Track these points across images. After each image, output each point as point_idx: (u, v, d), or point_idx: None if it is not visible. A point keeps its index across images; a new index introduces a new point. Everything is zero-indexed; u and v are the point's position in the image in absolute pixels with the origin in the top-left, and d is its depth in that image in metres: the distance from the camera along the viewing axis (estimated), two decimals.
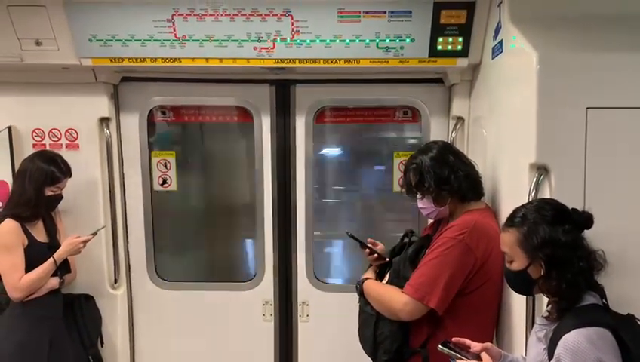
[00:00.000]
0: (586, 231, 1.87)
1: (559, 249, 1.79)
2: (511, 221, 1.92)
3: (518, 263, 1.88)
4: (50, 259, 2.98)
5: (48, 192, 3.00)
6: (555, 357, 1.71)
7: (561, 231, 1.81)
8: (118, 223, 3.53)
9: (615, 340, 1.70)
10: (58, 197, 3.09)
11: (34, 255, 2.97)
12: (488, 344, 1.98)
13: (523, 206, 1.95)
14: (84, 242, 3.07)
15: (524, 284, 1.93)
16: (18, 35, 3.01)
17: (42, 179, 2.97)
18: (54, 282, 3.06)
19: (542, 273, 1.83)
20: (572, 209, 1.88)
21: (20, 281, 2.91)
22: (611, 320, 1.77)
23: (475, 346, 1.94)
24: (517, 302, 2.31)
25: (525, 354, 2.07)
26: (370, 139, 3.78)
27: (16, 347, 2.95)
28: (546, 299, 2.06)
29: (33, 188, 2.96)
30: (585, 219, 1.85)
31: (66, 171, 3.06)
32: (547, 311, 1.93)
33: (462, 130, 3.28)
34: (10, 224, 2.94)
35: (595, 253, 1.85)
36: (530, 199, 2.11)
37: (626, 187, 2.10)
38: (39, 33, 3.01)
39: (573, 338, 1.68)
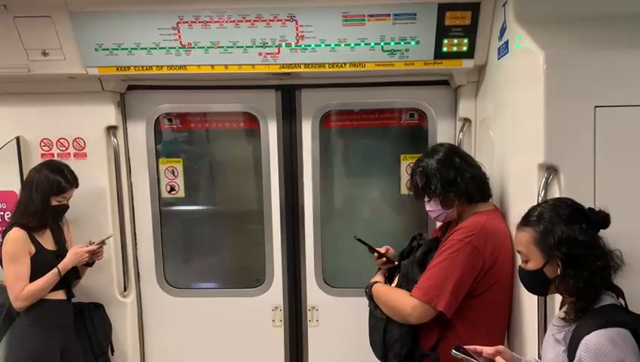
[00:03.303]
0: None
1: (576, 248, 1.78)
2: (526, 220, 1.90)
3: (534, 263, 1.87)
4: (55, 269, 2.98)
5: (54, 202, 3.01)
6: (576, 358, 1.69)
7: (578, 229, 1.79)
8: (126, 231, 3.54)
9: (635, 340, 1.68)
10: (64, 207, 3.10)
11: (41, 262, 2.98)
12: (501, 347, 1.96)
13: (538, 205, 1.94)
14: (90, 252, 3.07)
15: (539, 284, 1.91)
16: (25, 46, 3.03)
17: (48, 189, 2.98)
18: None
19: (558, 272, 1.81)
20: (588, 208, 1.87)
21: (23, 291, 2.93)
22: (631, 320, 1.75)
23: (488, 350, 1.92)
24: (528, 304, 2.29)
25: (539, 356, 2.05)
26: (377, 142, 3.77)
27: (29, 356, 2.96)
28: (557, 300, 2.05)
29: (40, 197, 2.97)
30: (602, 219, 1.84)
31: (73, 181, 3.07)
32: (564, 311, 1.90)
33: (469, 132, 3.27)
34: (16, 233, 2.95)
35: (611, 252, 1.83)
36: (540, 199, 2.09)
37: (637, 186, 2.08)
38: (45, 43, 3.03)
39: (595, 340, 1.66)
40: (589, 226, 1.81)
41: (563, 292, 1.86)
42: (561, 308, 1.98)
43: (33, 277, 2.96)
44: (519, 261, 1.99)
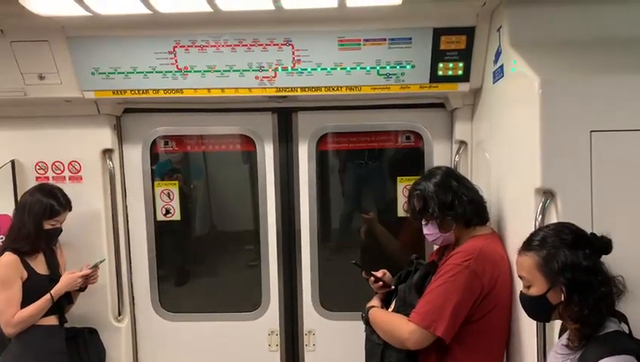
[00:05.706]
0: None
1: (581, 273, 1.75)
2: (529, 244, 1.87)
3: (537, 288, 1.83)
4: (47, 295, 2.95)
5: (47, 226, 2.99)
6: None
7: (582, 255, 1.77)
8: (121, 254, 3.51)
9: None
10: (57, 231, 3.07)
11: (34, 288, 2.95)
12: None
13: (540, 229, 1.93)
14: (83, 276, 3.03)
15: (542, 310, 1.87)
16: (21, 70, 3.04)
17: (41, 213, 2.95)
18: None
19: (562, 298, 1.78)
20: (591, 233, 1.86)
21: (14, 317, 2.89)
22: (635, 346, 1.73)
23: None
24: (527, 329, 2.26)
25: None
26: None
27: None
28: (557, 326, 2.02)
29: (32, 221, 2.95)
30: (604, 244, 1.82)
31: (66, 204, 3.04)
32: (567, 339, 1.87)
33: (465, 154, 3.27)
34: (8, 258, 2.92)
35: (615, 278, 1.81)
36: (537, 224, 2.08)
37: (634, 210, 2.07)
38: (42, 67, 3.04)
39: None
40: (592, 252, 1.79)
41: (567, 319, 1.83)
42: (560, 334, 1.96)
43: (26, 302, 2.92)
44: (518, 286, 1.97)
